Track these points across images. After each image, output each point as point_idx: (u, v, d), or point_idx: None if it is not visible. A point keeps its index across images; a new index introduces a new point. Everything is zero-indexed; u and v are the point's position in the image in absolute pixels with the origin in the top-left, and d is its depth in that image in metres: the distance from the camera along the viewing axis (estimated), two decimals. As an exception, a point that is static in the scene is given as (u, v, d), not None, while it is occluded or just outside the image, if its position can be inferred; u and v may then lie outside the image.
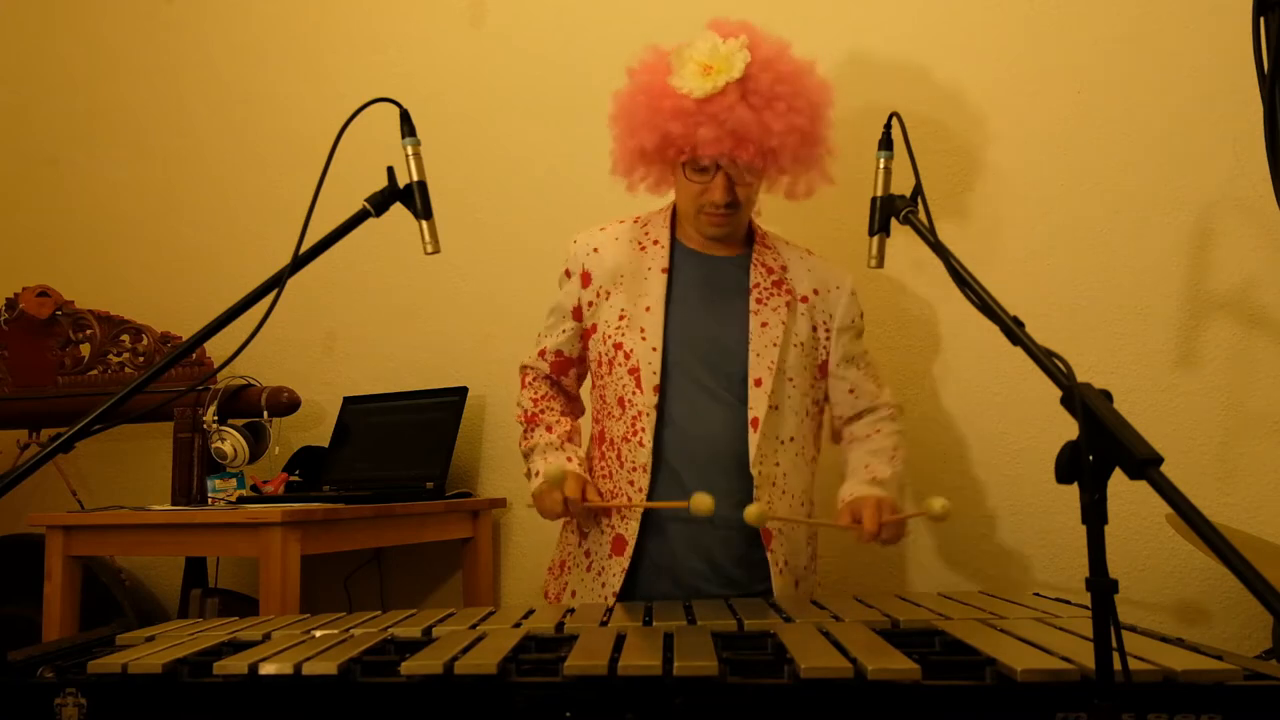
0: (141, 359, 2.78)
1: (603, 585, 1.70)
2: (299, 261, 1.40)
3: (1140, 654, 1.01)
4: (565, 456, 1.73)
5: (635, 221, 1.82)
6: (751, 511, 1.51)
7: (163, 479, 2.66)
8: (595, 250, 1.78)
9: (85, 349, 2.82)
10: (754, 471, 1.66)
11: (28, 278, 2.89)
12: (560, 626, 1.26)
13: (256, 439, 2.53)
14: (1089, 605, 0.85)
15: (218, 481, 2.50)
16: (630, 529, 1.68)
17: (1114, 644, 0.83)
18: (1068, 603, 1.42)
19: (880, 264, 1.51)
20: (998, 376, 2.19)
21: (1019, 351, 1.13)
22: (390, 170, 1.49)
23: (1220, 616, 2.04)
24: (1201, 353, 2.07)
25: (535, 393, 1.84)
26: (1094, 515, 0.84)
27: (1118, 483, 0.84)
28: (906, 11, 2.31)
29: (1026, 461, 2.17)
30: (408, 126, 1.49)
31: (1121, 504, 2.02)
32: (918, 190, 1.44)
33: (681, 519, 1.65)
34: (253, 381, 2.62)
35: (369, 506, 2.23)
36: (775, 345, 1.69)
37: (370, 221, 1.47)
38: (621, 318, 1.72)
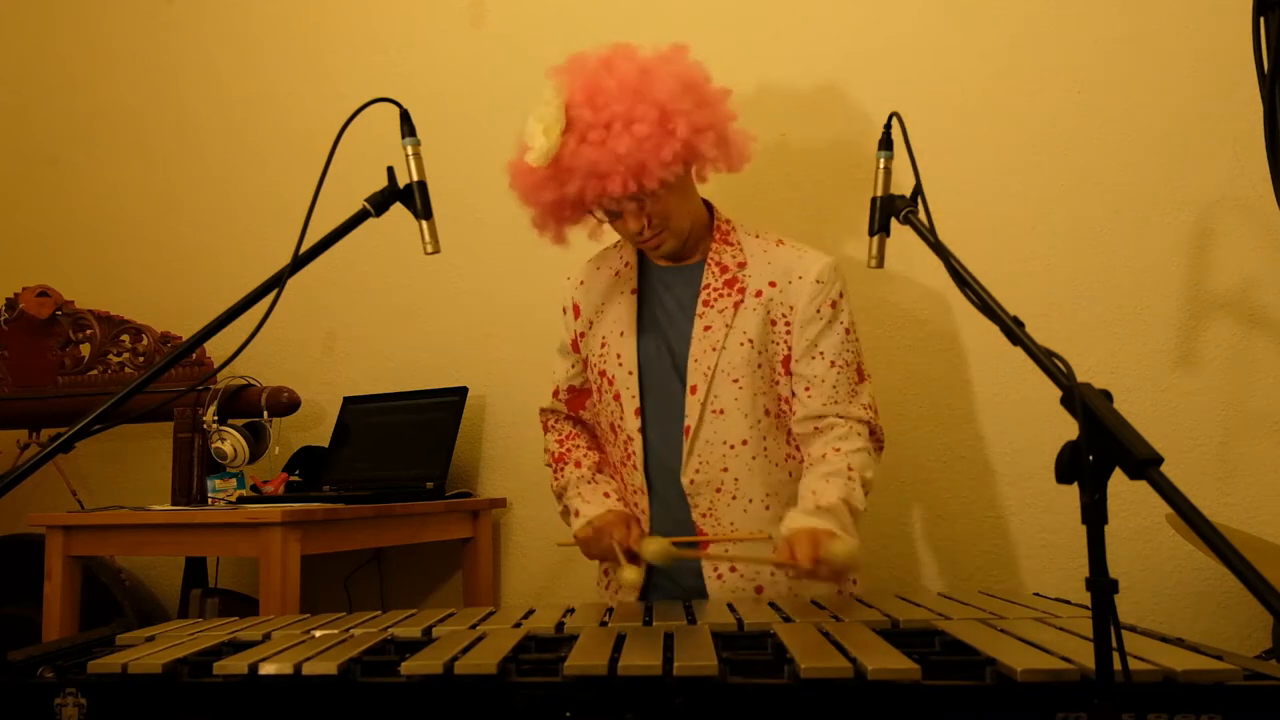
0: (141, 359, 2.78)
1: (615, 592, 1.75)
2: (299, 261, 1.40)
3: (1140, 654, 1.01)
4: (601, 491, 1.72)
5: (615, 246, 1.82)
6: (649, 548, 1.50)
7: (163, 479, 2.66)
8: (581, 283, 1.81)
9: (85, 349, 2.82)
10: (684, 481, 1.66)
11: (28, 278, 2.89)
12: (560, 626, 1.26)
13: (256, 439, 2.53)
14: (1089, 605, 0.85)
15: (218, 481, 2.50)
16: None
17: (1114, 644, 0.83)
18: (1068, 603, 1.42)
19: (880, 264, 1.51)
20: (998, 376, 2.19)
21: (1019, 351, 1.13)
22: (390, 170, 1.49)
23: (1220, 616, 2.04)
24: (1201, 353, 2.07)
25: (559, 434, 1.85)
26: (1094, 515, 0.84)
27: (1118, 483, 0.84)
28: (906, 11, 2.31)
29: (1026, 461, 2.17)
30: (408, 126, 1.49)
31: (1121, 504, 2.02)
32: (918, 190, 1.44)
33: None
34: (253, 381, 2.62)
35: (369, 506, 2.23)
36: (715, 349, 1.65)
37: (370, 221, 1.47)
38: (603, 345, 1.75)
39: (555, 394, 1.86)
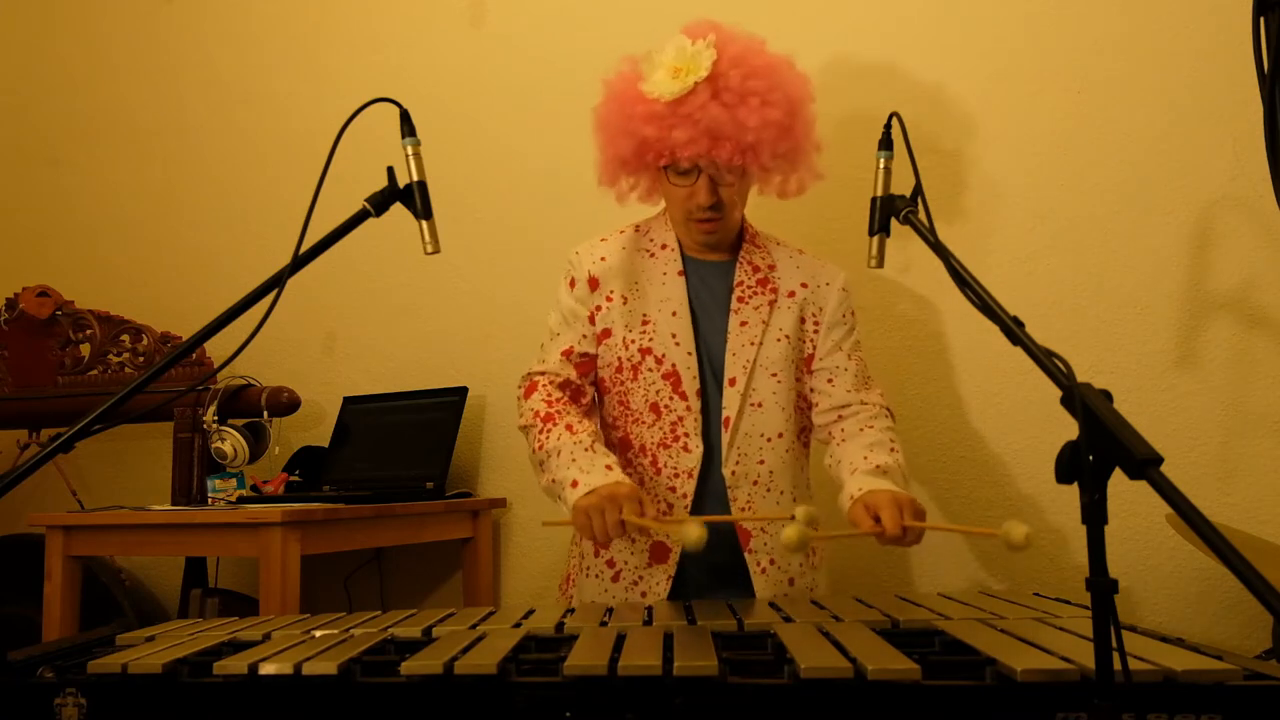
0: (141, 359, 2.78)
1: (642, 595, 1.67)
2: (299, 261, 1.40)
3: (1140, 654, 1.01)
4: (603, 462, 1.53)
5: (636, 230, 1.80)
6: (790, 535, 1.22)
7: (163, 479, 2.66)
8: (602, 258, 1.75)
9: (85, 349, 2.82)
10: (725, 473, 1.65)
11: (28, 278, 2.89)
12: (560, 626, 1.26)
13: (256, 439, 2.53)
14: (1089, 605, 0.85)
15: (218, 481, 2.50)
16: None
17: (1114, 644, 0.83)
18: (1068, 603, 1.42)
19: (880, 264, 1.51)
20: (998, 376, 2.19)
21: (1019, 351, 1.13)
22: (390, 170, 1.49)
23: (1220, 616, 2.04)
24: (1201, 353, 2.07)
25: (547, 395, 1.68)
26: (1094, 515, 0.84)
27: (1118, 483, 0.84)
28: (905, 11, 2.31)
29: (1026, 461, 2.17)
30: (408, 126, 1.49)
31: (1121, 504, 2.02)
32: (918, 190, 1.44)
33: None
34: (253, 381, 2.62)
35: (369, 506, 2.23)
36: (753, 344, 1.68)
37: (370, 221, 1.47)
38: (646, 322, 1.70)
39: (568, 354, 1.72)
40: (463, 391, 2.52)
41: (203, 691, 1.09)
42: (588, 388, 1.75)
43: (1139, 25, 2.14)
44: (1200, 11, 2.09)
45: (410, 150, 1.49)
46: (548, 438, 1.61)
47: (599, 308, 1.73)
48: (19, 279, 2.90)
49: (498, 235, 2.63)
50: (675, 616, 1.32)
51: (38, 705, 1.09)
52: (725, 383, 1.67)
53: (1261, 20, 1.41)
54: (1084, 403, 0.88)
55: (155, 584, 2.92)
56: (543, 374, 1.73)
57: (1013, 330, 1.14)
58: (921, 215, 1.42)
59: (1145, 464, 0.83)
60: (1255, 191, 2.04)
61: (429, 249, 1.49)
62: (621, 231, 1.80)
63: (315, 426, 2.79)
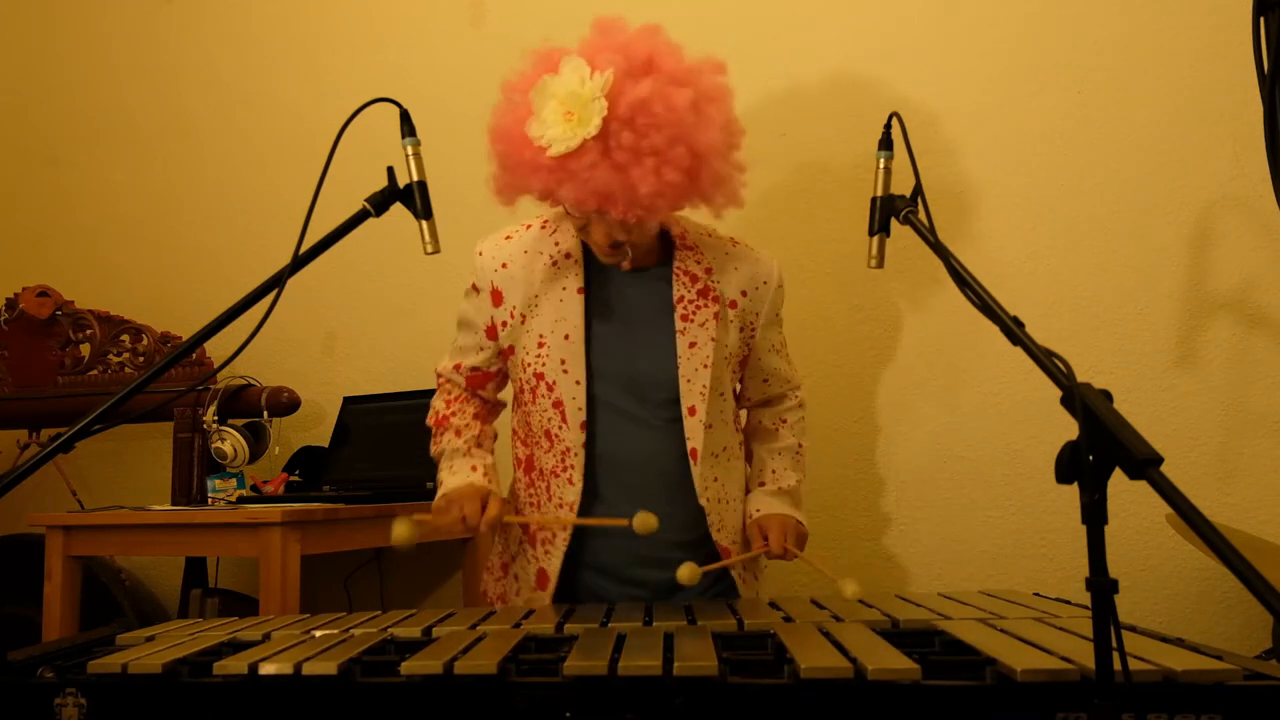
0: (141, 359, 2.77)
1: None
2: (299, 261, 1.40)
3: (1140, 654, 1.01)
4: (470, 464, 1.64)
5: (543, 227, 1.68)
6: (684, 574, 1.42)
7: (163, 479, 2.66)
8: (504, 266, 1.65)
9: (85, 349, 2.82)
10: (703, 501, 1.61)
11: (28, 278, 2.89)
12: (560, 627, 1.26)
13: (256, 439, 2.53)
14: (1089, 605, 0.85)
15: (218, 481, 2.50)
16: (553, 565, 1.61)
17: (1114, 644, 0.83)
18: (1068, 603, 1.42)
19: (880, 264, 1.51)
20: (997, 376, 2.19)
21: (1019, 351, 1.13)
22: (390, 170, 1.49)
23: (1220, 616, 2.04)
24: (1201, 353, 2.07)
25: (448, 395, 1.75)
26: (1094, 515, 0.84)
27: (1118, 483, 0.84)
28: (906, 11, 2.31)
29: (1026, 461, 2.17)
30: (408, 126, 1.49)
31: (1121, 504, 2.02)
32: (918, 190, 1.44)
33: (621, 546, 1.60)
34: (253, 381, 2.62)
35: (369, 506, 2.23)
36: (706, 367, 1.59)
37: (370, 221, 1.46)
38: (541, 345, 1.60)
39: (458, 368, 1.73)
40: (463, 391, 2.52)
41: (203, 691, 1.09)
42: (482, 393, 1.76)
43: (1139, 25, 2.14)
44: (1200, 11, 2.09)
45: (410, 150, 1.49)
46: (438, 441, 1.72)
47: (504, 323, 1.65)
48: (19, 279, 2.90)
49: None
50: (675, 616, 1.32)
51: (38, 705, 1.09)
52: (685, 412, 1.58)
53: (1261, 20, 1.41)
54: (1084, 403, 0.88)
55: (155, 584, 2.91)
56: (447, 379, 1.77)
57: (1013, 330, 1.14)
58: (921, 215, 1.42)
59: (1145, 464, 0.83)
60: (1255, 191, 2.04)
61: (429, 249, 1.48)
62: (528, 226, 1.70)
63: (315, 426, 2.79)
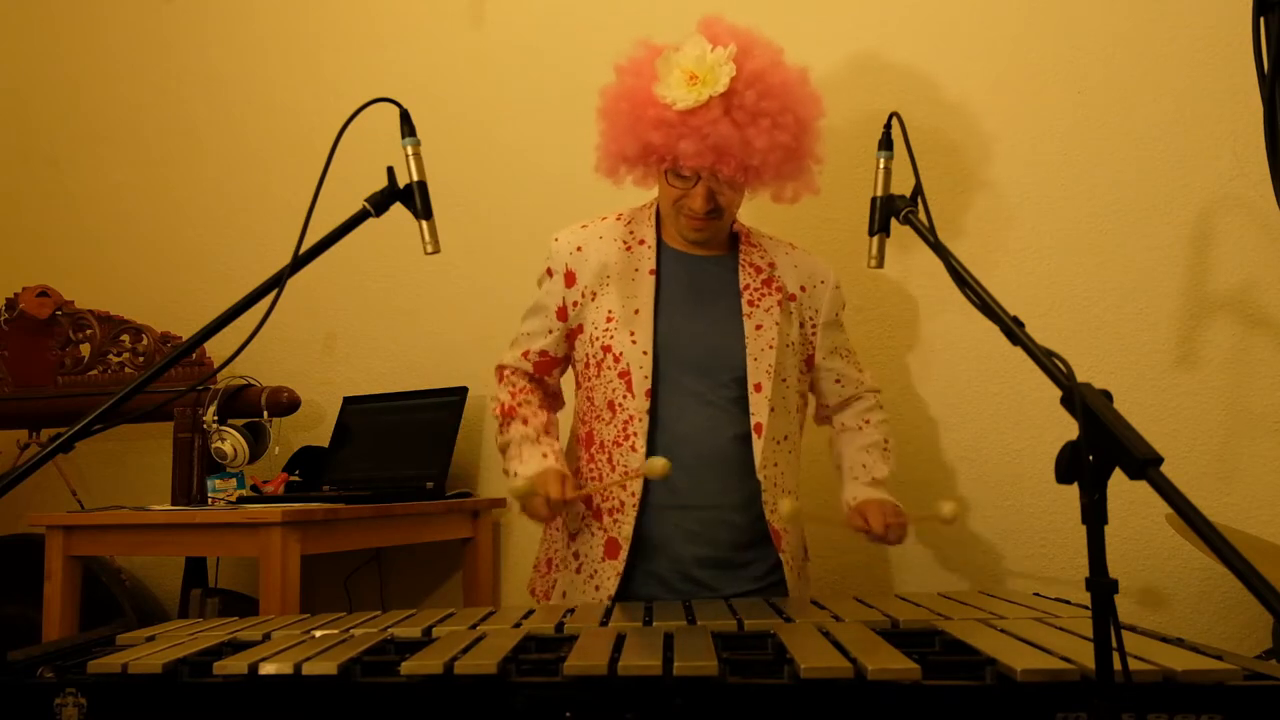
0: (141, 359, 2.78)
1: (596, 589, 1.68)
2: (299, 261, 1.40)
3: (1140, 654, 1.01)
4: (541, 451, 1.68)
5: (619, 219, 1.79)
6: (785, 507, 1.54)
7: (163, 479, 2.66)
8: (579, 249, 1.74)
9: (85, 349, 2.82)
10: (760, 477, 1.67)
11: (28, 278, 2.89)
12: (560, 626, 1.26)
13: (256, 439, 2.53)
14: (1089, 605, 0.85)
15: (218, 481, 2.50)
16: (624, 532, 1.66)
17: (1114, 644, 0.83)
18: (1068, 603, 1.42)
19: (880, 264, 1.51)
20: (998, 376, 2.19)
21: (1019, 351, 1.13)
22: (390, 170, 1.49)
23: (1220, 616, 2.04)
24: (1201, 353, 2.07)
25: (513, 387, 1.79)
26: (1094, 515, 0.84)
27: (1118, 483, 0.84)
28: (906, 11, 2.31)
29: (1026, 461, 2.17)
30: (408, 126, 1.49)
31: (1121, 504, 2.02)
32: (918, 190, 1.44)
33: (675, 519, 1.67)
34: (253, 381, 2.62)
35: (369, 506, 2.23)
36: (771, 348, 1.69)
37: (370, 221, 1.46)
38: (610, 320, 1.70)
39: (526, 354, 1.80)
40: (463, 391, 2.52)
41: (203, 691, 1.09)
42: (548, 380, 1.83)
43: (1139, 25, 2.14)
44: (1200, 11, 2.09)
45: (410, 150, 1.48)
46: (506, 430, 1.75)
47: (575, 303, 1.74)
48: (19, 279, 2.90)
49: (498, 235, 2.63)
50: (676, 616, 1.32)
51: (38, 705, 1.09)
52: (751, 388, 1.67)
53: (1261, 20, 1.41)
54: (1084, 403, 0.88)
55: (155, 584, 2.92)
56: (511, 367, 1.82)
57: (1013, 330, 1.14)
58: (921, 215, 1.42)
59: (1145, 464, 0.83)
60: (1255, 191, 2.04)
61: (429, 249, 1.48)
62: (604, 219, 1.80)
63: (315, 426, 2.79)
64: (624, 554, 1.66)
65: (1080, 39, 2.18)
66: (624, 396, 1.67)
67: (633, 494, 1.67)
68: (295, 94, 2.90)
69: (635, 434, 1.66)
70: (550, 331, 1.77)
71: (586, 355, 1.74)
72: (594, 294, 1.72)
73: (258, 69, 2.97)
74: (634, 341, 1.67)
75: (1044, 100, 2.20)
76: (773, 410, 1.68)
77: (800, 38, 2.24)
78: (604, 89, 1.69)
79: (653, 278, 1.71)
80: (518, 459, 1.69)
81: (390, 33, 2.80)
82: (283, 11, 2.94)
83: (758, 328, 1.70)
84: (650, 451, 1.65)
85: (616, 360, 1.68)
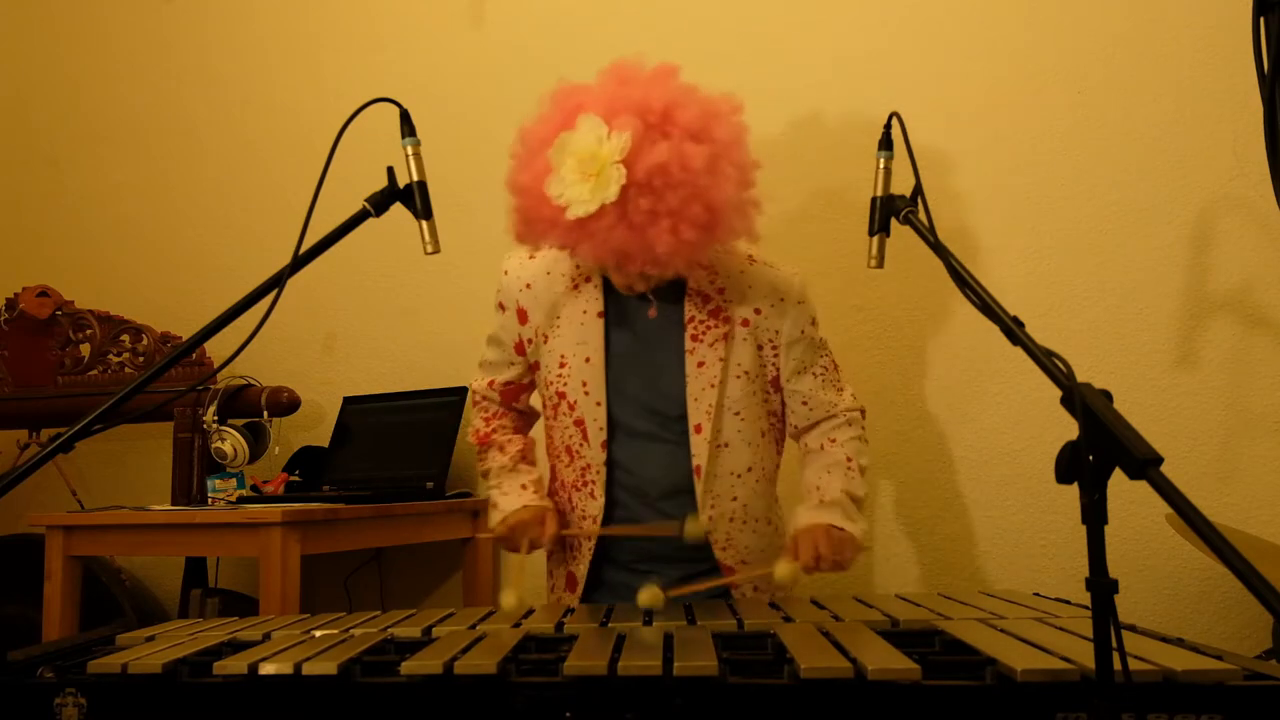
0: (141, 359, 2.78)
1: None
2: (299, 261, 1.40)
3: (1140, 654, 1.01)
4: (520, 482, 1.70)
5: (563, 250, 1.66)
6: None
7: (163, 479, 2.66)
8: (528, 286, 1.69)
9: (85, 349, 2.82)
10: (704, 518, 1.62)
11: (28, 278, 2.89)
12: (560, 626, 1.26)
13: (256, 439, 2.53)
14: (1089, 605, 0.85)
15: (218, 481, 2.50)
16: (580, 570, 1.70)
17: (1114, 644, 0.83)
18: (1068, 603, 1.42)
19: (880, 264, 1.50)
20: (998, 376, 2.19)
21: (1019, 351, 1.13)
22: (390, 170, 1.49)
23: (1220, 616, 2.04)
24: (1201, 353, 2.07)
25: (486, 412, 1.81)
26: (1094, 515, 0.84)
27: (1118, 483, 0.84)
28: (906, 11, 2.31)
29: (1026, 461, 2.17)
30: (408, 126, 1.49)
31: (1121, 504, 2.02)
32: (918, 190, 1.43)
33: (630, 551, 1.68)
34: (253, 381, 2.62)
35: (369, 506, 2.23)
36: (713, 386, 1.61)
37: (370, 221, 1.46)
38: (563, 365, 1.66)
39: (492, 384, 1.79)
40: (463, 391, 2.52)
41: (203, 691, 1.09)
42: (516, 405, 1.83)
43: (1139, 25, 2.14)
44: (1200, 11, 2.09)
45: (410, 150, 1.48)
46: (484, 459, 1.78)
47: (530, 340, 1.71)
48: (19, 279, 2.90)
49: (498, 235, 2.61)
50: (675, 616, 1.32)
51: (38, 705, 1.09)
52: (691, 429, 1.61)
53: (1261, 20, 1.41)
54: (1084, 403, 0.88)
55: (155, 584, 2.92)
56: (482, 395, 1.83)
57: (1013, 330, 1.14)
58: (921, 215, 1.42)
59: (1145, 464, 0.83)
60: (1255, 191, 2.04)
61: (429, 249, 1.48)
62: (551, 248, 1.66)
63: (315, 426, 2.79)
64: (580, 589, 1.70)
65: (1080, 39, 2.18)
66: (580, 444, 1.66)
67: (588, 538, 1.68)
68: (295, 94, 2.90)
69: (593, 481, 1.65)
70: (512, 364, 1.76)
71: (545, 397, 1.73)
72: (545, 336, 1.68)
73: (258, 69, 2.97)
74: (587, 393, 1.64)
75: (1044, 100, 2.20)
76: (725, 446, 1.63)
77: (802, 38, 2.24)
78: (512, 153, 1.55)
79: (601, 321, 1.64)
80: (498, 489, 1.72)
81: (390, 33, 2.80)
82: (283, 11, 2.94)
83: (699, 365, 1.61)
84: (609, 495, 1.65)
85: (571, 408, 1.65)
